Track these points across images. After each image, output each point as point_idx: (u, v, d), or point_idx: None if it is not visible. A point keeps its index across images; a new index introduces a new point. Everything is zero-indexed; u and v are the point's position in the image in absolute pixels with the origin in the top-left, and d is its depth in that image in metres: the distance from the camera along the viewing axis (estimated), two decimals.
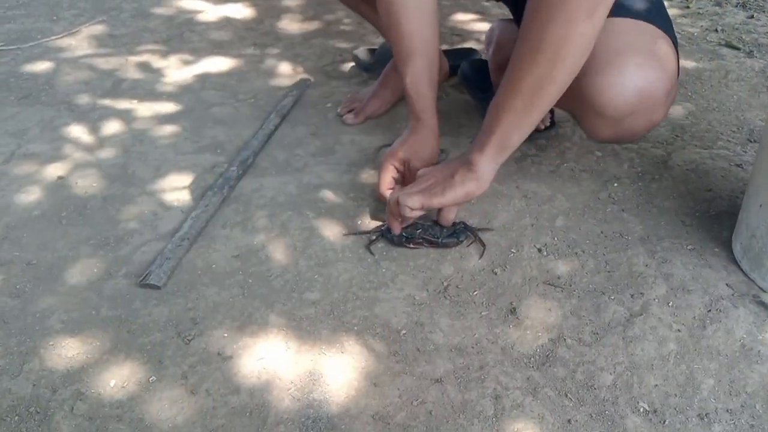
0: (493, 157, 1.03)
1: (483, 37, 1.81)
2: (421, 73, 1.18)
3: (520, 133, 1.01)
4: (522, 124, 1.00)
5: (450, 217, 1.13)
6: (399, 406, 0.87)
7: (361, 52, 1.74)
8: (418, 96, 1.18)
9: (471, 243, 1.12)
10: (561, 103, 1.20)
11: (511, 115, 0.99)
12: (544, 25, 0.90)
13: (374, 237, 1.13)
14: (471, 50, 1.71)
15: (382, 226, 1.15)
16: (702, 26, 1.96)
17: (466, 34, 1.95)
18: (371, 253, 1.10)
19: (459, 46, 1.82)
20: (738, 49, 1.82)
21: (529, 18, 0.93)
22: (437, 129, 1.21)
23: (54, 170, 1.33)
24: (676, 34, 1.16)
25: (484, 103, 1.46)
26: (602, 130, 1.09)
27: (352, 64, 1.76)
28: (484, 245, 1.11)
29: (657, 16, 1.09)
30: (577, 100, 1.06)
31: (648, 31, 1.06)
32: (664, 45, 1.06)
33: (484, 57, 1.58)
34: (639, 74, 1.00)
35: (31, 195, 1.26)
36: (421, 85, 1.18)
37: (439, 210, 1.13)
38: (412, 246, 1.11)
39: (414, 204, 1.05)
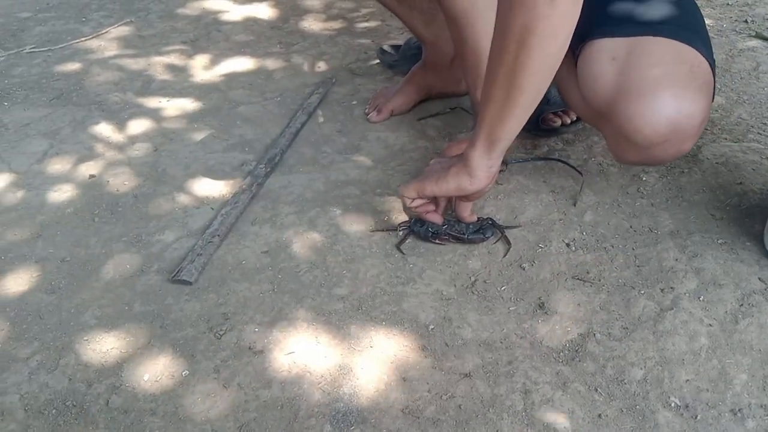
0: (484, 153, 1.01)
1: None
2: None
3: (506, 126, 0.98)
4: (504, 116, 0.97)
5: (463, 213, 1.13)
6: (428, 400, 0.87)
7: (386, 49, 1.74)
8: None
9: (498, 240, 1.12)
10: (589, 120, 1.20)
11: (492, 107, 0.97)
12: (508, 12, 0.88)
13: (402, 234, 1.14)
14: None
15: (409, 221, 1.15)
16: (731, 17, 1.93)
17: None
18: (402, 252, 1.11)
19: None
20: (766, 39, 1.79)
21: (498, 6, 0.92)
22: None
23: (86, 169, 1.36)
24: (706, 25, 1.14)
25: None
26: (629, 155, 1.07)
27: (377, 61, 1.76)
28: (509, 243, 1.11)
29: (698, 39, 1.05)
30: (607, 122, 1.05)
31: (687, 57, 1.02)
32: (702, 74, 1.02)
33: None
34: (674, 106, 0.98)
35: (64, 193, 1.28)
36: None
37: (455, 206, 1.13)
38: (438, 242, 1.12)
39: (408, 192, 1.08)
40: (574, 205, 1.17)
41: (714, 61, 1.07)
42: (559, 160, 1.28)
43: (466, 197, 1.09)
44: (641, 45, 1.02)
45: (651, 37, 1.03)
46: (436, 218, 1.12)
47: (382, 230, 1.15)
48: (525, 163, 1.29)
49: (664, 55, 1.02)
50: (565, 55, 1.01)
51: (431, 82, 1.51)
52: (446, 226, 1.12)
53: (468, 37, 1.20)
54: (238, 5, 2.18)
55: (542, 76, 0.93)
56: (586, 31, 1.07)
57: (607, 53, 1.04)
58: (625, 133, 1.01)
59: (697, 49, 1.03)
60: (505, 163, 1.21)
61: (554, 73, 0.94)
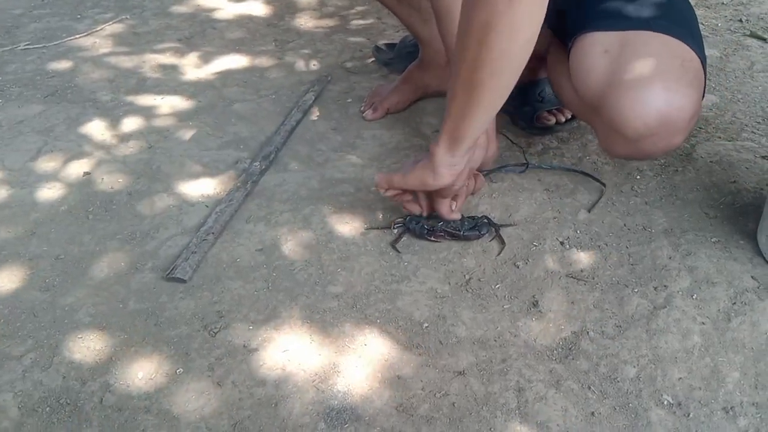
0: (446, 150, 1.01)
1: None
2: None
3: (467, 125, 0.98)
4: (466, 114, 0.97)
5: (441, 209, 1.12)
6: (422, 398, 0.87)
7: (381, 47, 1.74)
8: None
9: (493, 238, 1.13)
10: (581, 114, 1.20)
11: (455, 105, 0.97)
12: (470, 9, 0.89)
13: (397, 232, 1.14)
14: None
15: (404, 219, 1.15)
16: (726, 16, 1.94)
17: None
18: (397, 251, 1.11)
19: None
20: (763, 39, 1.79)
21: (462, 4, 0.92)
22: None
23: (80, 166, 1.35)
24: (700, 24, 1.15)
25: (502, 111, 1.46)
26: (618, 147, 1.07)
27: (372, 59, 1.76)
28: (503, 242, 1.11)
29: (690, 35, 1.06)
30: (598, 115, 1.05)
31: (679, 52, 1.03)
32: (693, 69, 1.03)
33: None
34: (664, 98, 0.98)
35: (58, 191, 1.28)
36: None
37: (434, 202, 1.13)
38: (433, 239, 1.12)
39: (380, 183, 1.10)
40: (589, 212, 1.17)
41: (705, 58, 1.07)
42: (582, 172, 1.27)
43: (438, 193, 1.09)
44: (634, 39, 1.03)
45: (644, 32, 1.03)
46: (414, 208, 1.13)
47: (377, 228, 1.16)
48: (547, 170, 1.29)
49: (656, 49, 1.02)
50: (558, 50, 1.00)
51: (427, 81, 1.51)
52: (442, 223, 1.12)
53: (446, 35, 1.20)
54: (233, 3, 2.18)
55: (504, 76, 0.93)
56: (578, 26, 1.07)
57: (600, 46, 1.04)
58: (615, 126, 1.01)
59: (688, 45, 1.03)
60: (484, 170, 1.21)
61: (518, 75, 0.94)
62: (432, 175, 1.03)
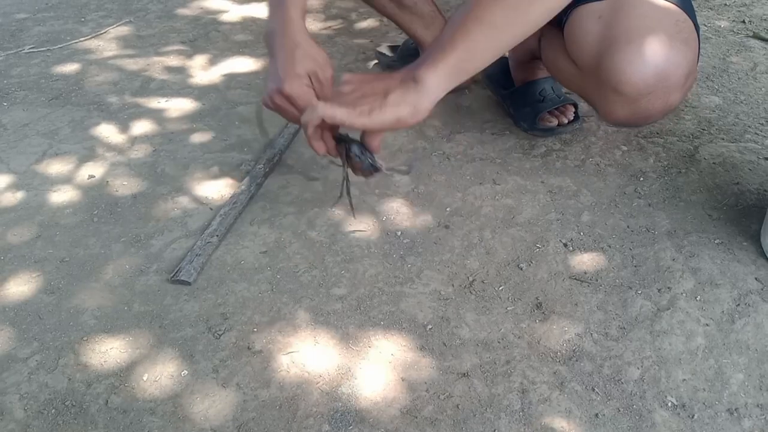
0: (445, 78, 0.92)
1: None
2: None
3: (488, 55, 0.94)
4: (493, 44, 0.93)
5: (374, 142, 1.01)
6: (426, 399, 0.87)
7: (384, 50, 1.74)
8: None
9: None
10: (579, 88, 1.21)
11: (484, 30, 0.91)
12: None
13: (341, 194, 1.10)
14: None
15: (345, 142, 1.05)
16: (729, 17, 1.93)
17: None
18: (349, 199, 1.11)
19: None
20: (766, 40, 1.79)
21: None
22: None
23: (85, 169, 1.36)
24: (703, 26, 1.15)
25: (507, 100, 1.47)
26: (618, 109, 1.07)
27: (375, 61, 1.76)
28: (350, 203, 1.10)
29: (682, 1, 1.09)
30: (594, 82, 1.07)
31: (671, 13, 1.06)
32: (686, 28, 1.05)
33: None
34: (659, 54, 1.00)
35: (63, 194, 1.29)
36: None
37: (363, 132, 1.01)
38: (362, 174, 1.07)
39: (335, 118, 0.93)
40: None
41: (698, 26, 1.10)
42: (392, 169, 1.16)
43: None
44: (627, 2, 1.05)
45: None
46: (319, 146, 1.03)
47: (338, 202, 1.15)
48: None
49: (649, 10, 1.05)
50: (550, 30, 1.03)
51: None
52: (358, 156, 1.03)
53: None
54: (237, 5, 2.19)
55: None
56: (571, 4, 1.07)
57: (594, 14, 1.07)
58: (614, 85, 1.02)
59: (679, 8, 1.06)
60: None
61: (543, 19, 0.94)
62: (412, 110, 0.91)
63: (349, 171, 1.09)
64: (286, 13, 1.06)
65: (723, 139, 1.37)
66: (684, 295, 1.00)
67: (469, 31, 0.91)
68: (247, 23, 2.05)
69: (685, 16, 1.06)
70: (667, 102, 1.05)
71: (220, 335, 0.97)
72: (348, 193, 1.11)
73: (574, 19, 1.10)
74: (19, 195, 1.29)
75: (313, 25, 2.02)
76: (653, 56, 1.00)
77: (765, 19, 1.91)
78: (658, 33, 1.01)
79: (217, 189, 1.28)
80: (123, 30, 2.02)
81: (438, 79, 0.91)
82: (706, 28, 1.83)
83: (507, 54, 1.53)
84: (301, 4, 1.08)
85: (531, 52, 1.43)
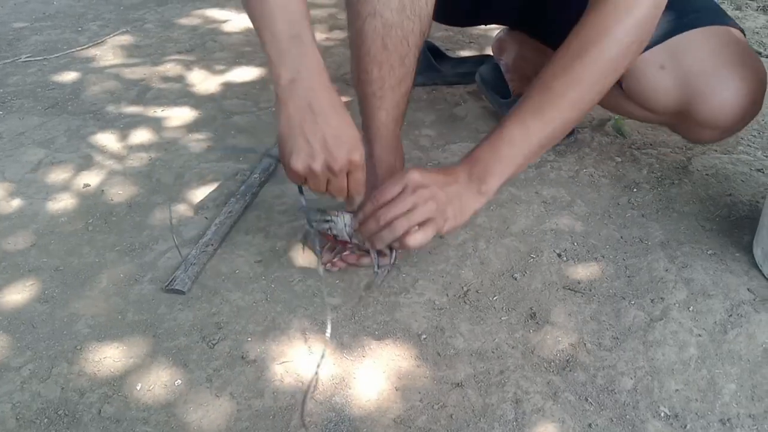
0: (499, 183, 0.95)
1: None
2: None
3: (535, 154, 0.97)
4: (553, 140, 0.96)
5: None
6: (420, 409, 0.87)
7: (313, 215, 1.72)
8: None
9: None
10: (649, 121, 1.22)
11: (530, 136, 0.93)
12: (584, 20, 0.92)
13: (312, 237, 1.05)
14: (488, 56, 1.73)
15: (317, 219, 1.02)
16: None
17: (483, 41, 1.96)
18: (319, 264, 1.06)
19: (475, 54, 1.83)
20: (759, 53, 1.81)
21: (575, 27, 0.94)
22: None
23: (81, 178, 1.36)
24: None
25: (505, 110, 1.47)
26: (708, 137, 1.13)
27: None
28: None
29: (719, 14, 1.10)
30: (678, 118, 1.10)
31: (726, 36, 1.07)
32: (743, 43, 1.07)
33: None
34: (744, 86, 1.03)
35: (58, 203, 1.29)
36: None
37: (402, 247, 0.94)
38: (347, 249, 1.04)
39: (429, 236, 0.91)
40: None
41: (742, 29, 1.12)
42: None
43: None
44: (680, 44, 1.05)
45: (683, 35, 1.06)
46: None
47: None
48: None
49: (705, 43, 1.05)
50: None
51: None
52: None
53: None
54: (235, 15, 2.20)
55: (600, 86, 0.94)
56: None
57: (653, 65, 1.06)
58: (710, 124, 1.06)
59: (726, 25, 1.08)
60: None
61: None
62: (461, 217, 0.94)
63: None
64: (317, 60, 0.88)
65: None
66: (677, 305, 1.01)
67: (534, 142, 0.93)
68: (245, 33, 2.06)
69: (731, 30, 1.08)
70: (754, 115, 1.08)
71: (214, 344, 0.97)
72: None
73: (634, 75, 1.08)
74: (14, 203, 1.29)
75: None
76: (741, 91, 1.03)
77: (757, 32, 1.93)
78: (732, 65, 1.03)
79: (212, 198, 1.28)
80: (120, 39, 2.03)
81: (496, 185, 0.94)
82: None
83: (500, 64, 1.54)
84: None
85: (542, 66, 1.44)
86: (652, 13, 0.91)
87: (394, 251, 1.03)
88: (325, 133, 0.86)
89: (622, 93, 1.13)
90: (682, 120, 1.11)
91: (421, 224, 0.91)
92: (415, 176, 0.91)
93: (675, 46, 1.05)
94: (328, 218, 0.99)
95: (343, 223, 0.99)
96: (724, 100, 1.03)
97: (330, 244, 1.07)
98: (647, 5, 0.89)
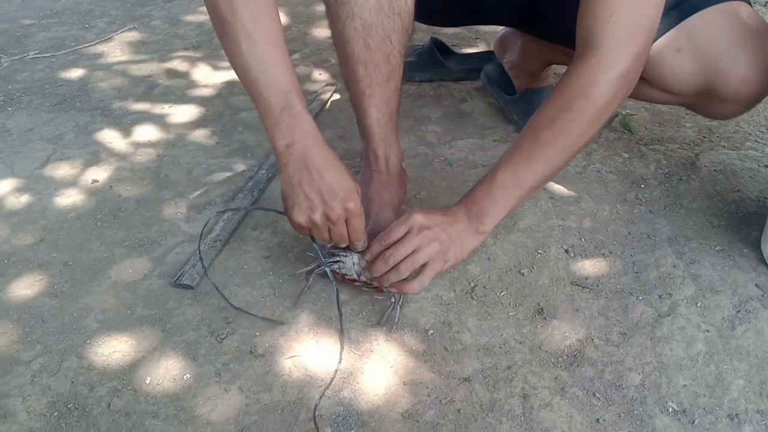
0: (495, 224, 1.00)
1: None
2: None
3: (523, 198, 1.02)
4: (547, 179, 1.03)
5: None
6: (428, 404, 0.88)
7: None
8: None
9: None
10: (669, 102, 1.22)
11: (523, 180, 0.99)
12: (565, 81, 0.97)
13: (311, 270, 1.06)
14: (494, 53, 1.72)
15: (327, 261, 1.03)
16: None
17: (489, 37, 1.95)
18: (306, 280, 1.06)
19: (481, 50, 1.83)
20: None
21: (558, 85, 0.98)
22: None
23: (89, 174, 1.37)
24: None
25: (510, 107, 1.47)
26: (729, 111, 1.13)
27: None
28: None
29: None
30: (699, 97, 1.11)
31: (738, 12, 1.07)
32: (757, 17, 1.08)
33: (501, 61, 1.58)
34: (765, 58, 1.04)
35: (67, 198, 1.29)
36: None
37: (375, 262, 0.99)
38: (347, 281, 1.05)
39: (426, 283, 0.98)
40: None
41: (749, 1, 1.11)
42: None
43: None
44: (694, 25, 1.06)
45: (695, 16, 1.06)
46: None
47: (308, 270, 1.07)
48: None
49: (719, 21, 1.06)
50: None
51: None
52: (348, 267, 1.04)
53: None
54: None
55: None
56: None
57: (669, 49, 1.07)
58: (732, 99, 1.07)
59: (731, 0, 1.07)
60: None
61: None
62: (461, 255, 0.99)
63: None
64: (307, 124, 0.93)
65: (724, 146, 1.38)
66: (685, 301, 1.01)
67: (524, 187, 0.98)
68: None
69: (742, 4, 1.08)
70: None
71: (222, 339, 0.98)
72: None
73: (652, 62, 1.08)
74: (24, 199, 1.29)
75: (317, 32, 2.03)
76: (760, 62, 1.03)
77: None
78: (748, 39, 1.04)
79: (220, 194, 1.29)
80: (127, 36, 2.04)
81: (492, 225, 1.00)
82: None
83: (501, 59, 1.54)
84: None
85: (547, 62, 1.44)
86: (636, 66, 0.95)
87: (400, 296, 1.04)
88: (321, 188, 0.93)
89: (642, 80, 1.13)
90: (704, 98, 1.10)
91: (422, 266, 0.97)
92: (419, 219, 0.98)
93: (689, 27, 1.05)
94: (338, 258, 1.03)
95: (351, 262, 1.03)
96: (745, 74, 1.04)
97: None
98: (631, 59, 0.93)
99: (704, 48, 1.05)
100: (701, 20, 1.05)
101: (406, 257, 0.96)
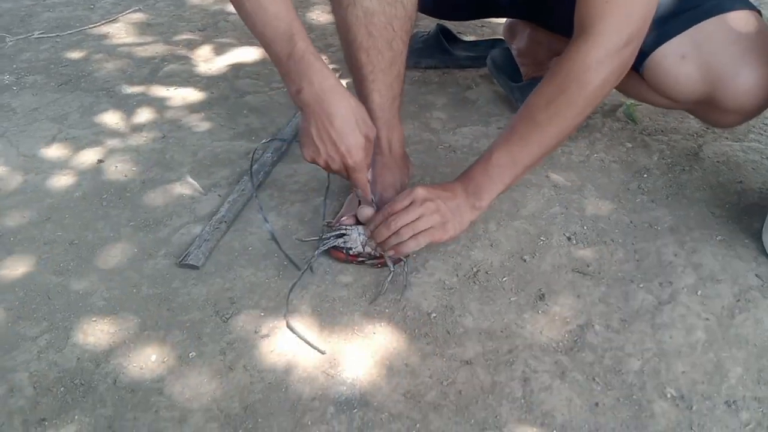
0: (493, 197, 1.05)
1: None
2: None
3: (521, 175, 1.05)
4: (526, 166, 1.04)
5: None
6: (429, 385, 0.89)
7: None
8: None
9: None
10: (672, 107, 1.22)
11: (519, 154, 1.02)
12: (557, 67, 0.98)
13: (320, 249, 1.07)
14: (500, 40, 1.72)
15: (332, 235, 1.07)
16: None
17: (495, 25, 1.95)
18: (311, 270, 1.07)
19: (487, 38, 1.83)
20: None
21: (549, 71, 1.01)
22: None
23: (94, 154, 1.37)
24: None
25: (516, 94, 1.48)
26: (731, 121, 1.13)
27: None
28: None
29: (735, 1, 1.10)
30: (701, 106, 1.11)
31: (744, 22, 1.07)
32: (762, 28, 1.07)
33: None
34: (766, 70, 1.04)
35: (71, 178, 1.30)
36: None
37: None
38: (356, 262, 1.07)
39: (422, 244, 1.01)
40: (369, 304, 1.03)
41: (760, 11, 1.11)
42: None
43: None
44: (701, 33, 1.06)
45: (703, 23, 1.06)
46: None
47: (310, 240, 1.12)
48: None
49: (726, 31, 1.06)
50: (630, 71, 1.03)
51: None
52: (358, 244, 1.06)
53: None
54: None
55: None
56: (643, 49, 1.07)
57: (674, 55, 1.07)
58: (733, 109, 1.08)
59: (743, 10, 1.07)
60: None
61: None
62: (460, 228, 1.04)
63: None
64: (315, 67, 0.96)
65: (727, 138, 1.39)
66: (685, 289, 1.02)
67: (519, 166, 1.03)
68: None
69: (750, 15, 1.07)
70: None
71: (227, 319, 0.99)
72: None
73: (655, 67, 1.09)
74: (29, 178, 1.30)
75: (322, 17, 2.03)
76: (764, 78, 1.03)
77: None
78: (753, 50, 1.04)
79: (225, 176, 1.30)
80: (133, 17, 2.03)
81: (490, 199, 1.05)
82: None
83: (509, 45, 1.54)
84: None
85: (555, 51, 1.44)
86: (630, 50, 0.96)
87: (404, 263, 1.07)
88: (327, 137, 0.98)
89: (643, 82, 1.13)
90: (705, 107, 1.11)
91: (421, 232, 1.01)
92: (421, 192, 1.02)
93: (696, 35, 1.05)
94: (343, 231, 1.06)
95: (357, 233, 1.06)
96: (747, 85, 1.04)
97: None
98: (624, 42, 0.95)
99: (708, 56, 1.04)
100: (708, 28, 1.05)
101: (408, 224, 1.00)
